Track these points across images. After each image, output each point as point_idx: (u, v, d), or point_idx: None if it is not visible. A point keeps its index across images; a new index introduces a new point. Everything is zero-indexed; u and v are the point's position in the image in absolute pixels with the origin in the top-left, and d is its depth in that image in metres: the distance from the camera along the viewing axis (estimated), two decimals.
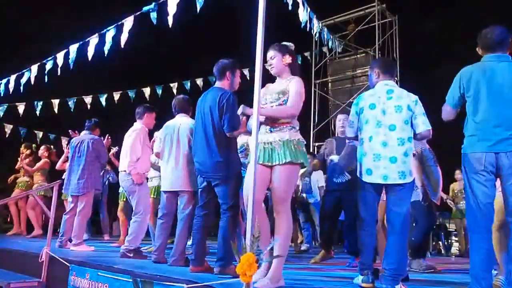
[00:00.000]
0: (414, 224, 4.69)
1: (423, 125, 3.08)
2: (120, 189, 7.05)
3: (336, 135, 5.41)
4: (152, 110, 5.12)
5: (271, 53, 3.19)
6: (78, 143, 5.76)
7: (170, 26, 4.47)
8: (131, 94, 8.49)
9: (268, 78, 3.18)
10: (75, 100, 7.96)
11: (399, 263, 2.91)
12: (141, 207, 4.80)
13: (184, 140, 4.18)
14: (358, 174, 3.14)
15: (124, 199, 7.05)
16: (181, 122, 4.30)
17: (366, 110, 3.14)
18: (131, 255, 4.60)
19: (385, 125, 3.05)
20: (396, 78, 13.19)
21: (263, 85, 2.90)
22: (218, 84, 3.73)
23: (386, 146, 3.01)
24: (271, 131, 3.01)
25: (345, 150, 4.90)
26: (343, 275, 3.93)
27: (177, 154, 4.19)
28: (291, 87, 3.05)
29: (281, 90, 3.06)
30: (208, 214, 3.68)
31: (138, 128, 4.94)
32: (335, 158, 5.01)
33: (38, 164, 7.80)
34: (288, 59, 3.15)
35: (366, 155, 3.08)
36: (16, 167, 8.04)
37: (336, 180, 4.94)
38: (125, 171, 4.86)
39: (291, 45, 3.27)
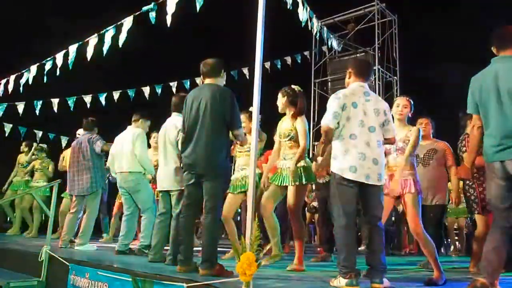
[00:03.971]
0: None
1: (393, 131, 3.21)
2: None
3: None
4: (148, 118, 5.34)
5: (279, 95, 4.31)
6: (78, 143, 5.79)
7: (169, 25, 4.47)
8: (131, 93, 8.47)
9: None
10: (74, 99, 7.94)
11: (384, 258, 3.03)
12: (148, 204, 4.99)
13: (170, 139, 4.25)
14: (336, 170, 3.05)
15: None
16: (170, 122, 4.38)
17: (349, 107, 3.09)
18: (147, 251, 4.68)
19: (367, 125, 3.07)
20: (396, 77, 13.10)
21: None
22: (210, 81, 3.68)
23: (369, 147, 3.04)
24: (284, 159, 4.23)
25: (327, 151, 5.01)
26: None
27: (165, 154, 4.28)
28: (298, 128, 4.17)
29: (289, 128, 4.21)
30: (195, 213, 3.66)
31: (140, 132, 5.12)
32: (320, 159, 5.14)
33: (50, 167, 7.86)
34: (283, 99, 4.26)
35: (348, 152, 3.02)
36: (27, 159, 8.06)
37: (319, 180, 5.12)
38: (129, 171, 4.96)
39: (296, 88, 4.28)
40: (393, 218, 7.47)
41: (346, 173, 3.01)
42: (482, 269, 2.79)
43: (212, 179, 3.44)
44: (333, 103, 3.12)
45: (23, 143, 8.23)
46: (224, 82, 3.84)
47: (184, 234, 3.59)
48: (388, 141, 3.23)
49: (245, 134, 4.90)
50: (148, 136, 6.30)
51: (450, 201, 5.18)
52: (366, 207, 3.11)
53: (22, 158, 8.20)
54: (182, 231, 3.62)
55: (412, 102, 3.89)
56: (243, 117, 4.89)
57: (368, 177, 3.01)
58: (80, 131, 6.14)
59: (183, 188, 4.02)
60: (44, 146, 8.20)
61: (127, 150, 5.01)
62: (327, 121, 3.08)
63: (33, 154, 8.02)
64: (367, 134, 3.05)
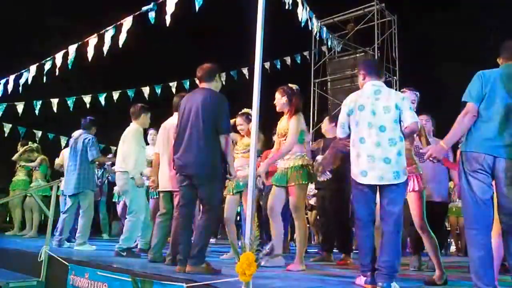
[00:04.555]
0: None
1: (411, 118, 3.12)
2: (115, 189, 7.07)
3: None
4: (148, 110, 5.14)
5: (276, 95, 4.23)
6: (73, 142, 5.78)
7: (168, 25, 4.48)
8: (130, 93, 8.48)
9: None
10: (74, 99, 7.95)
11: (394, 261, 2.95)
12: (134, 206, 4.86)
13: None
14: (352, 175, 3.13)
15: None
16: (174, 122, 4.32)
17: (356, 111, 3.13)
18: (125, 254, 4.64)
19: (376, 126, 3.06)
20: (396, 77, 13.11)
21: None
22: (205, 85, 3.73)
23: (379, 147, 3.02)
24: (282, 159, 4.13)
25: (329, 151, 5.04)
26: (342, 274, 3.93)
27: (168, 154, 4.22)
28: (289, 126, 4.06)
29: (286, 127, 4.11)
30: (191, 213, 3.69)
31: (133, 129, 4.98)
32: (319, 157, 5.14)
33: (38, 161, 7.87)
34: (283, 98, 4.17)
35: (359, 157, 3.08)
36: (14, 158, 8.07)
37: (319, 179, 5.10)
38: (120, 171, 4.90)
39: (293, 87, 4.23)
40: None
41: (358, 178, 3.08)
42: (479, 278, 2.66)
43: (206, 183, 3.49)
44: (341, 112, 3.29)
45: (19, 144, 8.24)
46: (220, 87, 3.85)
47: (183, 234, 3.60)
48: (410, 128, 3.12)
49: (243, 136, 4.92)
50: (145, 133, 6.29)
51: (452, 200, 5.21)
52: (381, 202, 3.09)
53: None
54: (181, 231, 3.63)
55: (418, 95, 3.91)
56: (240, 119, 4.89)
57: (382, 178, 3.01)
58: (75, 133, 6.10)
59: None
60: (35, 145, 8.20)
61: (120, 149, 4.98)
62: (337, 133, 3.37)
63: (21, 154, 8.02)
64: (377, 135, 3.04)
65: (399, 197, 3.07)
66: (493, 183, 2.80)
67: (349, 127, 3.22)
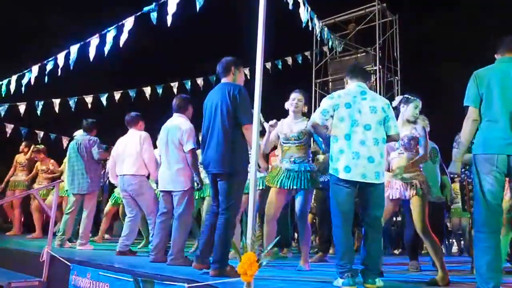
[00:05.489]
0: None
1: (395, 128, 3.19)
2: (117, 192, 7.02)
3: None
4: (142, 116, 5.29)
5: (299, 96, 4.13)
6: (76, 144, 5.81)
7: (169, 25, 4.48)
8: (132, 93, 8.49)
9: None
10: (76, 99, 7.96)
11: (380, 258, 3.05)
12: (153, 207, 4.88)
13: (173, 140, 4.21)
14: (331, 171, 3.10)
15: (121, 202, 7.06)
16: (173, 122, 4.35)
17: (341, 108, 3.12)
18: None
19: (362, 124, 3.07)
20: (397, 77, 13.07)
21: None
22: (224, 80, 3.69)
23: (364, 145, 3.04)
24: (295, 162, 3.98)
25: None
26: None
27: (167, 154, 4.25)
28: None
29: (301, 131, 4.00)
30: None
31: (143, 135, 5.05)
32: (321, 157, 5.08)
33: (57, 167, 7.90)
34: (305, 108, 4.16)
35: (343, 153, 3.05)
36: (26, 157, 8.09)
37: (322, 179, 5.06)
38: (133, 174, 4.91)
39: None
40: (394, 219, 7.48)
41: (341, 174, 3.04)
42: (485, 281, 2.63)
43: (225, 179, 3.39)
44: (324, 102, 3.21)
45: (23, 143, 8.26)
46: (242, 79, 3.79)
47: (205, 231, 3.54)
48: (391, 138, 3.21)
49: None
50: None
51: (455, 201, 5.20)
52: (364, 206, 3.11)
53: (20, 157, 8.20)
54: (205, 227, 3.57)
55: (421, 102, 3.95)
56: None
57: (365, 175, 3.01)
58: (77, 133, 6.13)
59: (186, 189, 4.13)
60: (41, 147, 8.21)
61: (133, 152, 4.95)
62: (314, 117, 3.17)
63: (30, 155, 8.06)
64: (362, 133, 3.06)
65: (382, 201, 3.14)
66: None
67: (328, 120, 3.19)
